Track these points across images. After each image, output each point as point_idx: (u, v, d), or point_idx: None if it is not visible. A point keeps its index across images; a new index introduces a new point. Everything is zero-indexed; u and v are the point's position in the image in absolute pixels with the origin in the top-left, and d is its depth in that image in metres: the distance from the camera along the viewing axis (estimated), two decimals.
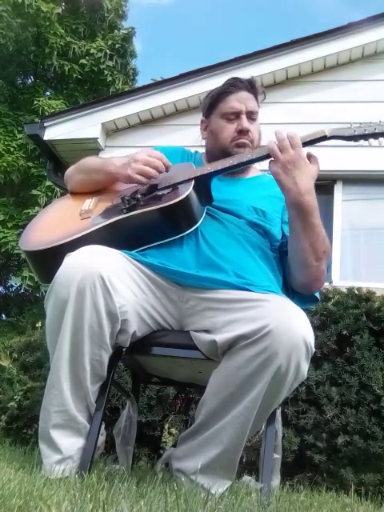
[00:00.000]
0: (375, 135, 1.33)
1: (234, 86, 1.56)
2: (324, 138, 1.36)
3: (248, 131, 1.52)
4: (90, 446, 1.22)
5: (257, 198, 1.52)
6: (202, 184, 1.40)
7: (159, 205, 1.35)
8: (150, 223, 1.37)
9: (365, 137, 1.34)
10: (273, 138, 1.34)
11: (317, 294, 1.51)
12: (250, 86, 1.57)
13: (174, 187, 1.39)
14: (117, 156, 1.64)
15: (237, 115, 1.53)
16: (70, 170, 1.63)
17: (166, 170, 1.41)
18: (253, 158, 1.41)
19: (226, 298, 1.26)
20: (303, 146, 1.35)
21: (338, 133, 1.36)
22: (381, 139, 1.34)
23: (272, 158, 1.34)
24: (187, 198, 1.34)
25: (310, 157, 1.34)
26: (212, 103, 1.59)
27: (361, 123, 1.35)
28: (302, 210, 1.32)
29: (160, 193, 1.40)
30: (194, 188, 1.37)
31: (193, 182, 1.38)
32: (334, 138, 1.36)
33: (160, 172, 1.40)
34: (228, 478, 1.21)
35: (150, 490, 1.04)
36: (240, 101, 1.54)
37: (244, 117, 1.53)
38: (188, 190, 1.35)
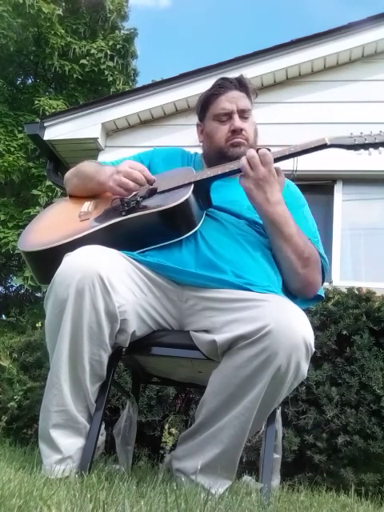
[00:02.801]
0: (375, 145, 1.35)
1: (222, 86, 1.56)
2: (324, 146, 1.37)
3: (241, 130, 1.52)
4: (89, 446, 1.22)
5: None
6: (202, 188, 1.41)
7: (158, 208, 1.35)
8: (148, 226, 1.37)
9: (365, 146, 1.36)
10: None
11: (321, 292, 1.51)
12: (240, 84, 1.57)
13: (174, 191, 1.40)
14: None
15: (229, 115, 1.53)
16: (68, 174, 1.64)
17: (149, 183, 1.41)
18: None
19: (225, 298, 1.26)
20: (303, 154, 1.38)
21: (339, 142, 1.37)
22: (381, 149, 1.35)
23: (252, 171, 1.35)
24: (186, 202, 1.35)
25: (276, 170, 1.37)
26: (203, 106, 1.59)
27: (361, 133, 1.37)
28: (275, 220, 1.36)
29: (159, 196, 1.40)
30: (194, 192, 1.37)
31: (192, 186, 1.38)
32: (335, 146, 1.38)
33: (140, 185, 1.39)
34: (228, 477, 1.21)
35: (150, 490, 1.04)
36: (230, 101, 1.54)
37: (236, 116, 1.53)
38: (187, 194, 1.35)
